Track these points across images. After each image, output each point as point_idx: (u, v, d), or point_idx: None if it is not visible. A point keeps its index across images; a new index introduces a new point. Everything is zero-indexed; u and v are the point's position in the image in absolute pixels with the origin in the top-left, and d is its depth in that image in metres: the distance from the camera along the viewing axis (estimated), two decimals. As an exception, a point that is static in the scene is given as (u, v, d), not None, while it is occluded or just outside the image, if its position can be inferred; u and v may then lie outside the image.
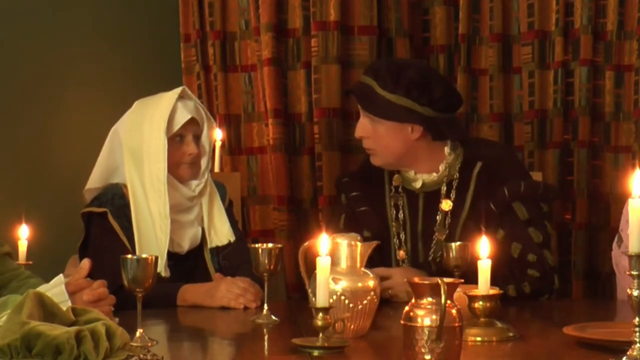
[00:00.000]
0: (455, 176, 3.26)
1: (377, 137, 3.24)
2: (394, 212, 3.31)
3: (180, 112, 3.22)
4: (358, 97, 3.28)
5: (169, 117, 3.19)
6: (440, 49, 4.17)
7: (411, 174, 3.29)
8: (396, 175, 3.33)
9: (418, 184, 3.28)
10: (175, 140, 3.22)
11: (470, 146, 3.33)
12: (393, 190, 3.33)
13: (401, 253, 3.28)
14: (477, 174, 3.24)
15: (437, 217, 3.25)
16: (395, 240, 3.30)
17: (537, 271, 3.16)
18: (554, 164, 4.05)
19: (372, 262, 3.04)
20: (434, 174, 3.27)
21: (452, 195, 3.25)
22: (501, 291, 2.61)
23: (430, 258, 3.23)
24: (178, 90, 3.26)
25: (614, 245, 3.16)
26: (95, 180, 3.33)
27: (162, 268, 3.10)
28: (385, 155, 3.26)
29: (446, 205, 3.24)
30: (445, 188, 3.26)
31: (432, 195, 3.28)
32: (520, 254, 3.17)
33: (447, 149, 3.27)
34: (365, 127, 3.26)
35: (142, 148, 3.20)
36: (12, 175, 4.25)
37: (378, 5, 4.09)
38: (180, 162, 3.24)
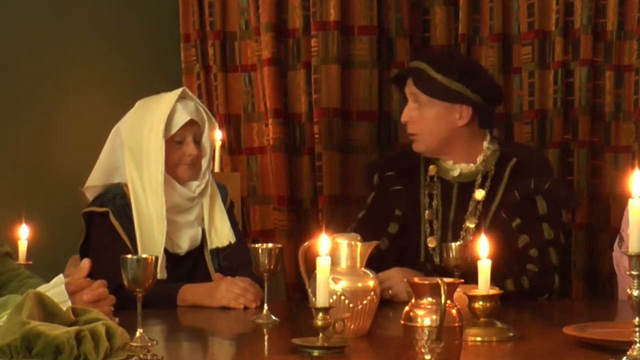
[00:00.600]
0: (491, 170, 3.33)
1: (424, 121, 3.32)
2: (428, 200, 3.37)
3: (180, 113, 3.21)
4: (414, 78, 3.32)
5: (168, 119, 3.19)
6: (440, 49, 4.17)
7: (449, 163, 3.36)
8: (432, 166, 3.39)
9: (455, 173, 3.35)
10: (174, 141, 3.22)
11: (507, 144, 3.47)
12: (428, 179, 3.39)
13: (432, 240, 3.33)
14: (511, 168, 3.32)
15: (469, 206, 3.32)
16: (426, 227, 3.35)
17: (536, 266, 3.19)
18: (554, 164, 4.04)
19: (400, 247, 3.26)
20: (472, 165, 3.35)
21: (487, 186, 3.32)
22: (501, 291, 2.61)
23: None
24: (178, 91, 3.25)
25: (615, 245, 3.16)
26: (95, 179, 3.33)
27: (158, 270, 3.10)
28: (429, 141, 3.33)
29: (479, 195, 3.32)
30: (480, 180, 3.33)
31: (466, 186, 3.35)
32: (524, 246, 3.21)
33: (485, 143, 3.36)
34: (413, 112, 3.34)
35: (141, 148, 3.20)
36: (12, 175, 4.25)
37: (378, 5, 4.09)
38: (180, 163, 3.24)
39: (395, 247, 3.30)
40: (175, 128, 3.21)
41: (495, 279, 2.98)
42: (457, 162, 3.35)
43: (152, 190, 3.17)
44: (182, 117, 3.21)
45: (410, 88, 3.35)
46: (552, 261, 3.21)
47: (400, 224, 3.35)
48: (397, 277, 3.11)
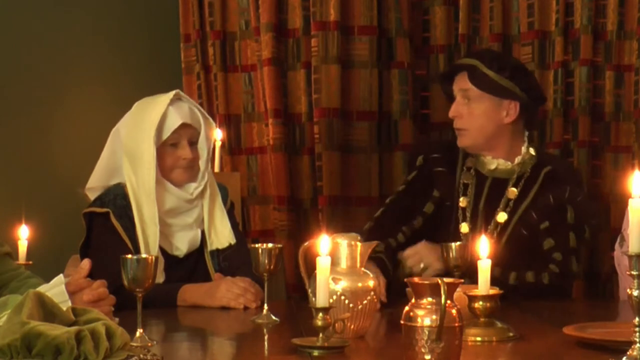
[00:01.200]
0: (526, 172, 3.41)
1: (473, 116, 3.40)
2: (463, 189, 3.45)
3: (172, 117, 3.19)
4: (468, 73, 3.39)
5: (160, 123, 3.17)
6: (440, 49, 4.17)
7: (488, 158, 3.44)
8: (470, 158, 3.47)
9: (492, 166, 3.43)
10: (168, 144, 3.21)
11: (543, 152, 3.57)
12: (465, 169, 3.47)
13: (465, 226, 3.40)
14: (545, 174, 3.40)
15: (501, 202, 3.39)
16: (460, 214, 3.42)
17: (558, 268, 3.26)
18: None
19: (433, 228, 3.37)
20: (509, 163, 3.43)
21: (520, 186, 3.39)
22: (500, 291, 2.61)
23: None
24: (171, 94, 3.22)
25: (616, 245, 3.16)
26: (96, 180, 3.32)
27: None
28: (476, 136, 3.41)
29: (512, 193, 3.40)
30: (515, 179, 3.41)
31: (499, 182, 3.43)
32: (549, 249, 3.29)
33: (524, 148, 3.44)
34: (462, 107, 3.41)
35: (137, 152, 3.19)
36: (12, 175, 4.25)
37: (378, 5, 4.09)
38: (175, 167, 3.22)
39: (428, 226, 3.42)
40: (167, 132, 3.19)
41: (517, 269, 3.15)
42: (496, 157, 3.43)
43: (145, 194, 3.17)
44: (174, 121, 3.18)
45: (461, 84, 3.42)
46: (573, 268, 3.30)
47: (436, 205, 3.45)
48: (425, 250, 3.22)
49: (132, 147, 3.20)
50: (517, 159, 3.43)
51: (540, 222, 3.32)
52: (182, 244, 3.24)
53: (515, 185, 3.40)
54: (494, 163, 3.43)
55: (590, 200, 3.55)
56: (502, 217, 3.37)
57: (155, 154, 3.15)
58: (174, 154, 3.21)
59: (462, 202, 3.43)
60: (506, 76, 3.37)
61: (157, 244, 3.14)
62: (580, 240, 3.34)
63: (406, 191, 3.50)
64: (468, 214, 3.41)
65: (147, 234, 3.15)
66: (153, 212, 3.15)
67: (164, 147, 3.19)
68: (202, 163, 3.28)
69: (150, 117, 3.18)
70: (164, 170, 3.19)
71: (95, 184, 3.32)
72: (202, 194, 3.28)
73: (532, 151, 3.45)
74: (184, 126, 3.21)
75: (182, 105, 3.23)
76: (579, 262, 3.37)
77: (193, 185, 3.26)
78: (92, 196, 3.32)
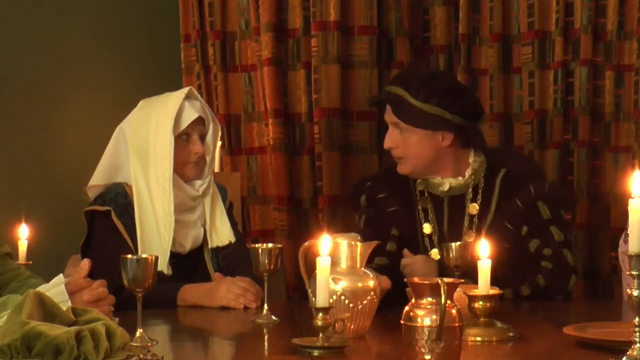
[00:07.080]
0: (480, 182, 3.32)
1: (409, 145, 3.28)
2: (424, 215, 3.34)
3: (188, 111, 3.23)
4: (392, 107, 3.27)
5: (176, 116, 3.20)
6: (440, 49, 4.18)
7: (437, 179, 3.33)
8: (419, 181, 3.37)
9: (445, 187, 3.32)
10: (181, 139, 3.23)
11: (492, 154, 3.41)
12: (419, 194, 3.37)
13: (435, 253, 3.28)
14: (501, 179, 3.31)
15: (464, 221, 3.30)
16: (426, 241, 3.32)
17: (551, 263, 3.20)
18: (554, 164, 4.05)
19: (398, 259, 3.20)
20: (460, 178, 3.32)
21: (478, 199, 3.30)
22: (501, 291, 2.61)
23: None
24: (185, 90, 3.27)
25: (621, 242, 3.15)
26: (98, 178, 3.33)
27: (164, 266, 3.11)
28: (416, 163, 3.29)
29: (473, 209, 3.30)
30: (471, 193, 3.31)
31: (456, 199, 3.32)
32: (537, 249, 3.22)
33: (471, 156, 3.32)
34: (396, 138, 3.29)
35: (148, 146, 3.20)
36: (12, 175, 4.24)
37: (378, 5, 4.09)
38: (187, 161, 3.25)
39: (395, 264, 3.23)
40: (183, 125, 3.22)
41: (512, 285, 3.09)
42: (445, 177, 3.32)
43: (159, 187, 3.18)
44: (190, 115, 3.23)
45: (389, 116, 3.30)
46: (569, 262, 3.23)
47: (398, 242, 3.31)
48: (421, 263, 3.16)
49: (142, 143, 3.21)
50: (467, 172, 3.30)
51: (519, 229, 3.22)
52: (186, 241, 3.25)
53: (473, 200, 3.30)
54: (446, 183, 3.31)
55: (556, 184, 3.46)
56: (470, 236, 3.24)
57: (173, 144, 3.17)
58: (186, 149, 3.24)
59: (427, 228, 3.31)
60: (434, 103, 3.21)
61: (171, 236, 3.15)
62: (564, 230, 3.25)
63: (364, 238, 3.16)
64: (435, 240, 3.30)
65: (159, 228, 3.16)
66: (168, 203, 3.16)
67: (177, 141, 3.20)
68: (208, 159, 3.30)
69: (166, 109, 3.20)
70: (175, 165, 3.20)
71: (97, 182, 3.33)
72: (204, 192, 3.30)
73: (479, 158, 3.32)
74: (196, 122, 3.25)
75: (194, 102, 3.27)
76: (573, 253, 3.28)
77: (199, 182, 3.29)
78: (91, 195, 3.32)
